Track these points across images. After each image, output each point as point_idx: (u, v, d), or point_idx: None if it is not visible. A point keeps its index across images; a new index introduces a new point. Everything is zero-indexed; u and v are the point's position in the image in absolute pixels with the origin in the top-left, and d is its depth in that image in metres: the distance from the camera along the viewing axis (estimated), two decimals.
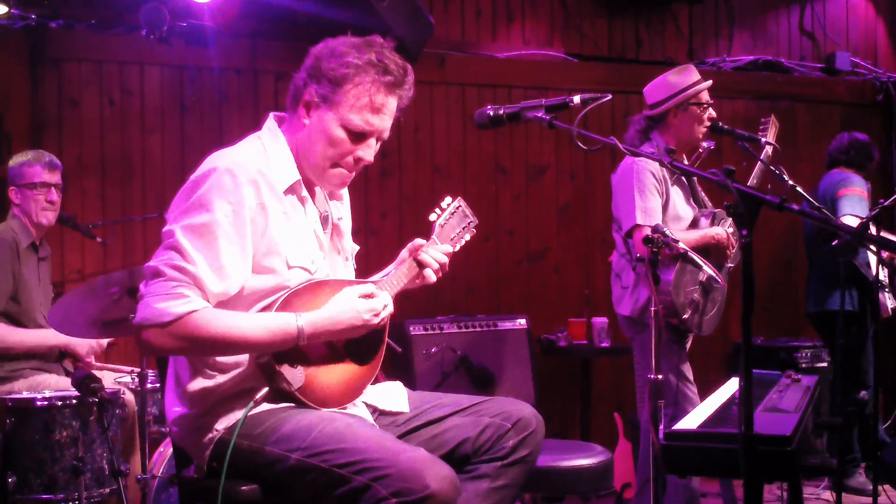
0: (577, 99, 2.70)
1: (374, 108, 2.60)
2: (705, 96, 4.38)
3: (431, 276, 2.84)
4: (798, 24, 7.45)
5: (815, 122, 7.41)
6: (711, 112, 4.38)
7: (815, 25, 7.48)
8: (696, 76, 4.37)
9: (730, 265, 4.39)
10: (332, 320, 2.55)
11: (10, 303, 4.29)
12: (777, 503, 4.89)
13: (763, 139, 4.37)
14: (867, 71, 7.54)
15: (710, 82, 4.40)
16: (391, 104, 2.63)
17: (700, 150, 4.41)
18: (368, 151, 2.65)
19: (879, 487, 4.52)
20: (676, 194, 4.34)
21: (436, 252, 2.85)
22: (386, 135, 2.67)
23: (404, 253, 2.89)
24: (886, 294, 5.68)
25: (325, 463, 2.41)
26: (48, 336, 4.31)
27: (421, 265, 2.83)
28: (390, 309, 2.68)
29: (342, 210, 2.87)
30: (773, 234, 7.10)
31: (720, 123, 4.36)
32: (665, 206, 4.27)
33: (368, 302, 2.61)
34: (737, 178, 2.33)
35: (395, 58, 2.62)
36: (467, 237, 3.00)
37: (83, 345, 4.35)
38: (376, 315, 2.62)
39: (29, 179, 4.42)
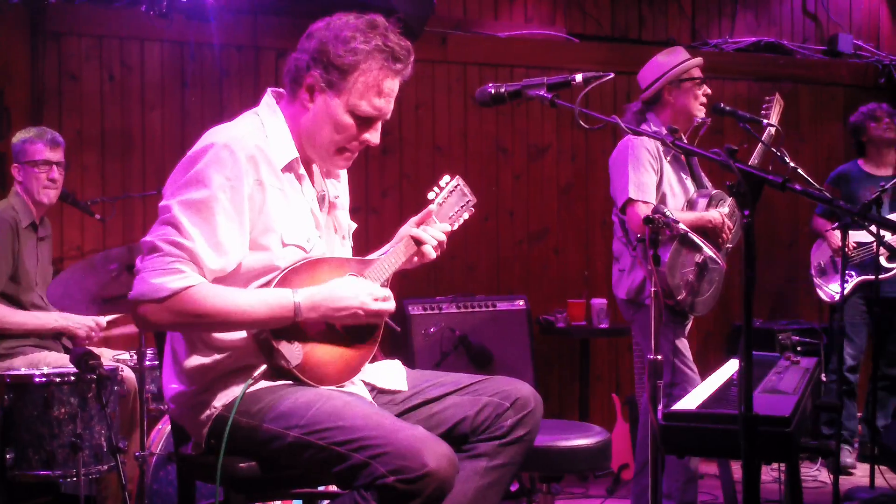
0: (579, 77, 2.69)
1: (381, 93, 2.61)
2: (697, 73, 4.40)
3: (430, 251, 2.82)
4: (801, 5, 7.42)
5: (817, 105, 7.39)
6: (706, 89, 4.40)
7: (817, 7, 7.44)
8: (685, 55, 4.41)
9: (729, 246, 4.39)
10: (331, 300, 2.54)
11: (8, 283, 4.28)
12: (774, 484, 4.89)
13: (765, 121, 4.37)
14: (870, 53, 7.51)
15: (699, 60, 4.42)
16: (396, 87, 2.65)
17: (696, 124, 4.42)
18: (375, 135, 2.67)
19: (877, 468, 4.54)
20: (672, 171, 4.35)
21: (433, 230, 2.84)
22: (389, 115, 2.67)
23: (402, 231, 2.88)
24: (822, 283, 5.79)
25: (323, 440, 2.41)
26: (47, 319, 4.30)
27: (418, 242, 2.82)
28: (392, 307, 2.68)
29: (339, 188, 2.86)
30: (775, 215, 7.09)
31: (722, 104, 4.36)
32: (659, 183, 4.28)
33: (377, 303, 2.60)
34: (738, 158, 2.32)
35: (400, 40, 2.62)
36: (466, 216, 2.99)
37: (81, 328, 4.33)
38: (379, 317, 2.63)
39: (31, 157, 4.40)
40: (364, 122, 2.63)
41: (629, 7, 6.85)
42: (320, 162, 2.73)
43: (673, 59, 4.38)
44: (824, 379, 5.75)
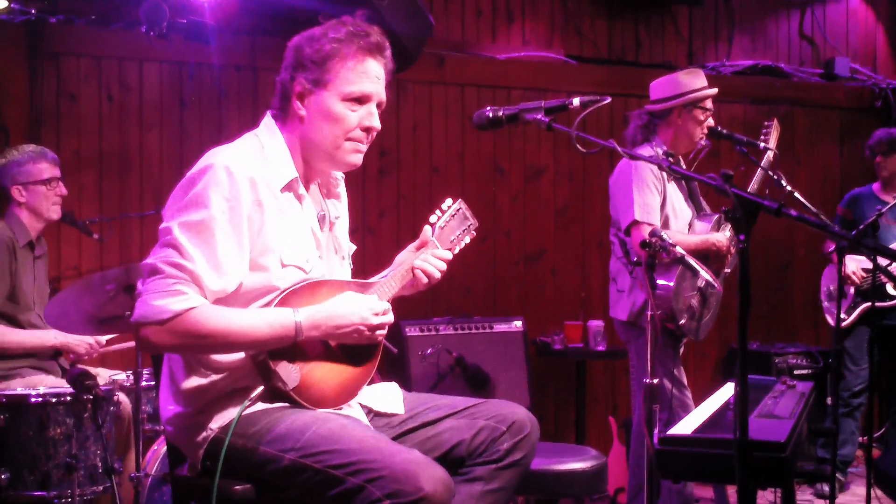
0: (576, 101, 2.70)
1: (364, 73, 2.62)
2: (709, 104, 4.42)
3: (423, 277, 2.82)
4: (798, 28, 7.45)
5: (813, 128, 7.42)
6: (710, 120, 4.43)
7: (814, 30, 7.48)
8: (705, 81, 4.43)
9: (727, 270, 4.40)
10: (333, 318, 2.55)
11: (6, 303, 4.28)
12: None
13: (763, 144, 4.39)
14: (866, 77, 7.54)
15: (715, 90, 4.44)
16: (378, 68, 2.66)
17: (698, 148, 4.45)
18: (373, 118, 2.66)
19: (872, 493, 4.53)
20: (674, 192, 4.37)
21: (434, 259, 2.83)
22: (384, 100, 2.68)
23: (401, 257, 2.88)
24: (831, 308, 5.84)
25: (319, 464, 2.40)
26: (46, 337, 4.30)
27: (420, 271, 2.81)
28: (392, 319, 2.69)
29: (340, 209, 2.86)
30: (770, 239, 7.11)
31: (719, 128, 4.39)
32: (662, 204, 4.29)
33: (378, 318, 2.61)
34: (735, 182, 2.33)
35: (373, 27, 2.65)
36: (467, 240, 2.98)
37: (81, 345, 4.33)
38: (382, 330, 2.64)
39: (38, 176, 4.42)
40: (357, 103, 2.63)
41: (626, 30, 6.88)
42: (330, 163, 2.72)
43: (693, 83, 4.39)
44: (829, 402, 5.76)
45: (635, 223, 4.20)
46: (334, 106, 2.61)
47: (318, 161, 2.70)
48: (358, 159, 2.69)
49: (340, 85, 2.60)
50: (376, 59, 2.65)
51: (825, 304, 5.96)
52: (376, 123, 2.67)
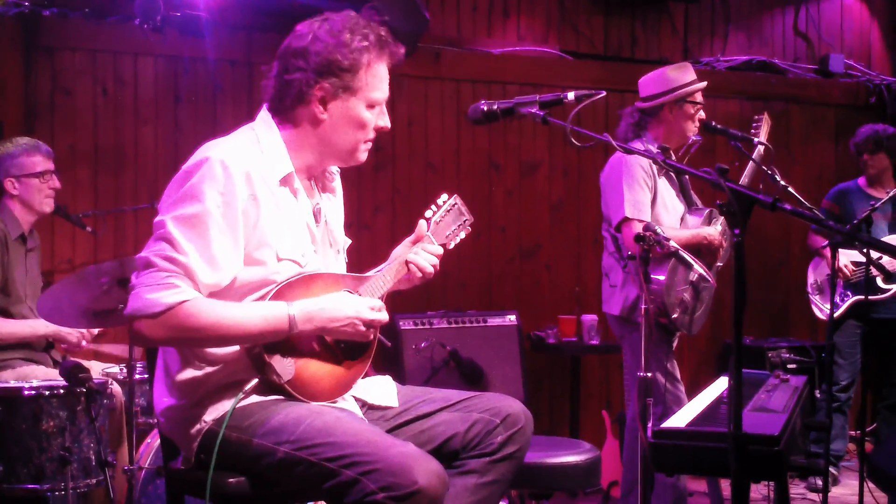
0: (571, 95, 2.71)
1: (384, 78, 2.69)
2: (699, 97, 4.43)
3: (416, 272, 2.82)
4: (792, 25, 7.46)
5: (808, 124, 7.42)
6: (702, 113, 4.43)
7: (809, 27, 7.49)
8: (693, 75, 4.43)
9: (719, 264, 4.41)
10: (327, 312, 2.55)
11: None
12: (764, 502, 4.90)
13: (756, 139, 4.39)
14: (861, 73, 7.55)
15: (705, 83, 4.44)
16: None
17: (689, 143, 4.46)
18: (385, 117, 2.74)
19: (865, 487, 4.54)
20: (665, 188, 4.37)
21: (427, 254, 2.84)
22: None
23: (396, 251, 2.88)
24: (818, 301, 5.86)
25: (313, 456, 2.41)
26: (38, 326, 4.30)
27: (413, 265, 2.82)
28: (386, 318, 2.69)
29: (335, 203, 2.86)
30: (765, 234, 7.12)
31: (713, 123, 4.39)
32: (654, 200, 4.30)
33: (373, 313, 2.62)
34: (730, 177, 2.33)
35: (381, 27, 2.69)
36: (462, 235, 2.99)
37: (73, 332, 4.34)
38: (374, 328, 2.65)
39: (31, 169, 4.41)
40: (375, 108, 2.69)
41: (622, 26, 6.88)
42: (342, 163, 2.77)
43: (682, 78, 4.39)
44: (818, 395, 5.79)
45: (626, 220, 4.21)
46: (362, 112, 2.66)
47: (328, 159, 2.73)
48: (366, 156, 2.76)
49: (367, 91, 2.65)
50: (389, 63, 2.71)
51: (812, 297, 5.98)
52: (388, 122, 2.74)
